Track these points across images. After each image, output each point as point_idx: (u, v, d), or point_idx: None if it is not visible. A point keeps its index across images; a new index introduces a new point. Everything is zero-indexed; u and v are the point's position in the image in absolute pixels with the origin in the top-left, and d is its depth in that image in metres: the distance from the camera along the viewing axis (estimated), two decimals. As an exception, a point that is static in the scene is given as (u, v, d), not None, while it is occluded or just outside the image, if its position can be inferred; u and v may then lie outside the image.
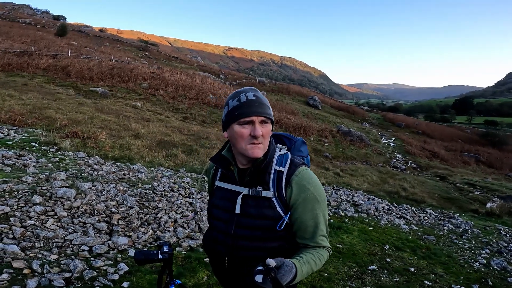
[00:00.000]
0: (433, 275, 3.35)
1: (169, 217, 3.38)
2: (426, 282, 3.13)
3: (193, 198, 4.11)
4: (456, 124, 58.08)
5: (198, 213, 3.74)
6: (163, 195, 3.85)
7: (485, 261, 3.98)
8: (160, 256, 1.14)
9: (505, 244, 4.82)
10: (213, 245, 1.16)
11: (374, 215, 5.43)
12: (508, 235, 5.40)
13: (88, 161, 4.60)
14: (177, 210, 3.58)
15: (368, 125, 33.15)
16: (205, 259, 2.73)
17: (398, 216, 5.75)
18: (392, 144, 24.47)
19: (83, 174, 3.87)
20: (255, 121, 1.03)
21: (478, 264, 3.88)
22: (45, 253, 2.31)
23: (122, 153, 6.14)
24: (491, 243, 4.84)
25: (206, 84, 24.73)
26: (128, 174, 4.37)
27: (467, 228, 5.63)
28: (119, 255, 2.54)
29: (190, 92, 20.16)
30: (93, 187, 3.44)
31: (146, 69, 22.17)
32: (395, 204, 7.15)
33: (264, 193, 1.06)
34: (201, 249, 2.94)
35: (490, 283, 3.33)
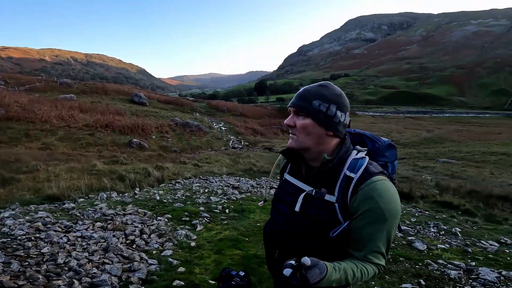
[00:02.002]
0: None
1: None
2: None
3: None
4: (260, 103, 71.81)
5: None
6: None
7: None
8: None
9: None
10: (268, 236, 1.20)
11: (255, 192, 6.22)
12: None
13: None
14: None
15: (198, 114, 35.00)
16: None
17: (269, 188, 6.83)
18: (223, 128, 27.21)
19: None
20: (291, 112, 1.06)
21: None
22: None
23: None
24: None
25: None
26: None
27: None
28: None
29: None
30: None
31: None
32: (257, 179, 8.38)
33: (328, 197, 1.02)
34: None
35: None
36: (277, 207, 1.19)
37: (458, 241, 4.18)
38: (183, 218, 4.02)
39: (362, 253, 1.00)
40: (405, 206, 6.54)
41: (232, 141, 20.65)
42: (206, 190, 5.88)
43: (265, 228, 1.27)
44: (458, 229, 4.81)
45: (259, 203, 3.73)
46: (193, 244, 3.22)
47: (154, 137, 17.30)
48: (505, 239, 4.29)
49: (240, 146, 18.87)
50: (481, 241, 4.12)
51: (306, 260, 0.87)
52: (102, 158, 10.96)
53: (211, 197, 5.28)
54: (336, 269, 0.94)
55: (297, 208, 1.07)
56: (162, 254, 2.94)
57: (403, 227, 4.76)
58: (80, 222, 3.42)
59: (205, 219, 4.11)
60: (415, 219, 5.37)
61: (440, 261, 3.30)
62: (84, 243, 2.87)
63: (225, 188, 6.27)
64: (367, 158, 1.04)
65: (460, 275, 2.94)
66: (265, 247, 1.26)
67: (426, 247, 3.69)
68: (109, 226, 3.40)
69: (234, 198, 5.40)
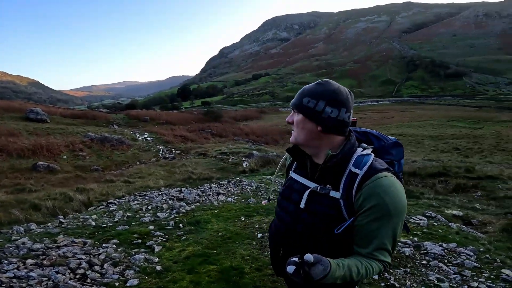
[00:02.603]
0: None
1: None
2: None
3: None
4: (185, 109, 69.62)
5: None
6: None
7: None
8: None
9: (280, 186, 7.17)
10: (273, 234, 1.22)
11: (203, 200, 5.94)
12: (277, 182, 7.98)
13: None
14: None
15: (116, 126, 31.85)
16: None
17: (216, 194, 6.63)
18: (149, 138, 25.40)
19: None
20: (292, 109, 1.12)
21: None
22: None
23: None
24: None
25: None
26: None
27: (256, 184, 7.64)
28: None
29: None
30: None
31: None
32: (199, 187, 8.05)
33: (333, 193, 1.03)
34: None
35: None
36: (282, 205, 1.19)
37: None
38: (134, 241, 3.58)
39: (367, 250, 1.00)
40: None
41: (162, 151, 19.46)
42: (149, 207, 5.37)
43: (271, 226, 1.28)
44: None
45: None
46: (158, 267, 2.91)
47: (65, 157, 15.03)
48: (429, 212, 5.07)
49: (172, 155, 17.93)
50: (412, 217, 4.76)
51: (309, 257, 0.87)
52: (2, 187, 9.04)
53: (158, 214, 4.85)
54: (340, 265, 0.94)
55: (302, 205, 1.07)
56: (127, 284, 2.58)
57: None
58: (6, 261, 2.77)
59: (160, 238, 3.74)
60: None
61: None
62: (24, 284, 2.32)
63: (169, 201, 5.85)
64: (373, 155, 1.05)
65: (413, 251, 3.35)
66: (270, 246, 1.27)
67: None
68: (44, 262, 2.82)
69: (184, 211, 5.07)
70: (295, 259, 0.90)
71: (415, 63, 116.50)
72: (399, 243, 3.55)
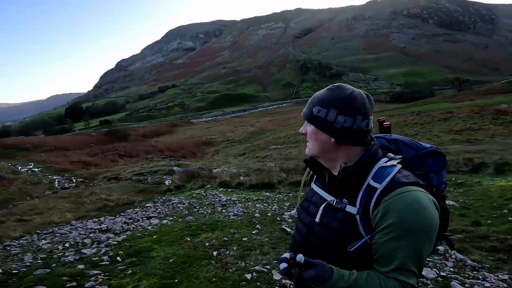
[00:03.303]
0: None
1: None
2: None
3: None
4: (79, 131, 60.64)
5: None
6: None
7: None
8: None
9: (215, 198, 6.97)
10: (292, 245, 1.18)
11: (134, 228, 5.24)
12: (207, 193, 7.76)
13: None
14: None
15: (-13, 158, 25.30)
16: None
17: (146, 218, 5.96)
18: (36, 169, 21.07)
19: None
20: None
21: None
22: None
23: None
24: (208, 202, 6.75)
25: None
26: None
27: (188, 201, 7.22)
28: None
29: None
30: None
31: None
32: (122, 214, 7.10)
33: (349, 208, 0.95)
34: None
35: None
36: (301, 217, 1.16)
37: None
38: (67, 285, 2.89)
39: (385, 269, 0.89)
40: (273, 194, 7.48)
41: (59, 181, 16.38)
42: (67, 245, 4.44)
43: (291, 239, 1.23)
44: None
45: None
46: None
47: None
48: None
49: (73, 184, 15.30)
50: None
51: (300, 257, 0.86)
52: None
53: (83, 250, 4.04)
54: (345, 277, 0.87)
55: (317, 219, 1.03)
56: None
57: (287, 213, 5.45)
58: None
59: (100, 276, 3.11)
60: (288, 203, 6.28)
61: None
62: None
63: (91, 235, 4.97)
64: (398, 166, 0.95)
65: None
66: None
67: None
68: None
69: (115, 243, 4.37)
70: (287, 256, 0.89)
71: (307, 66, 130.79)
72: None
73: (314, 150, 1.03)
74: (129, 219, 6.10)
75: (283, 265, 0.86)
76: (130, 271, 3.27)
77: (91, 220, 6.84)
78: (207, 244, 4.00)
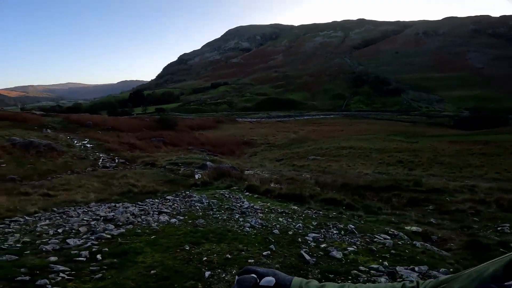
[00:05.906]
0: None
1: None
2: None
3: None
4: (136, 115, 65.27)
5: None
6: None
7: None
8: None
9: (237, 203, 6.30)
10: None
11: (139, 222, 4.78)
12: (231, 195, 7.14)
13: None
14: None
15: (50, 131, 28.06)
16: None
17: (157, 213, 5.51)
18: (89, 145, 22.69)
19: None
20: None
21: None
22: None
23: None
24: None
25: None
26: None
27: (208, 200, 6.66)
28: None
29: None
30: None
31: None
32: (139, 203, 6.80)
33: None
34: None
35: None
36: None
37: (359, 239, 4.28)
38: (18, 278, 2.44)
39: None
40: (301, 209, 6.57)
41: (103, 159, 17.27)
42: (60, 230, 4.11)
43: None
44: (351, 226, 5.00)
45: None
46: None
47: (-25, 164, 12.35)
48: (392, 230, 4.68)
49: (114, 164, 15.96)
50: (375, 236, 4.32)
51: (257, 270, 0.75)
52: None
53: (68, 240, 3.63)
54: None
55: None
56: None
57: (311, 234, 4.54)
58: None
59: (61, 275, 2.61)
60: (315, 222, 5.32)
61: (362, 267, 3.12)
62: None
63: (92, 223, 4.61)
64: None
65: (388, 280, 2.76)
66: None
67: (341, 254, 3.53)
68: None
69: (108, 236, 3.91)
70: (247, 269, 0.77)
71: (362, 78, 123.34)
72: (372, 271, 3.03)
73: None
74: (141, 210, 5.70)
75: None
76: (99, 275, 2.73)
77: (107, 204, 6.64)
78: (204, 258, 3.31)
